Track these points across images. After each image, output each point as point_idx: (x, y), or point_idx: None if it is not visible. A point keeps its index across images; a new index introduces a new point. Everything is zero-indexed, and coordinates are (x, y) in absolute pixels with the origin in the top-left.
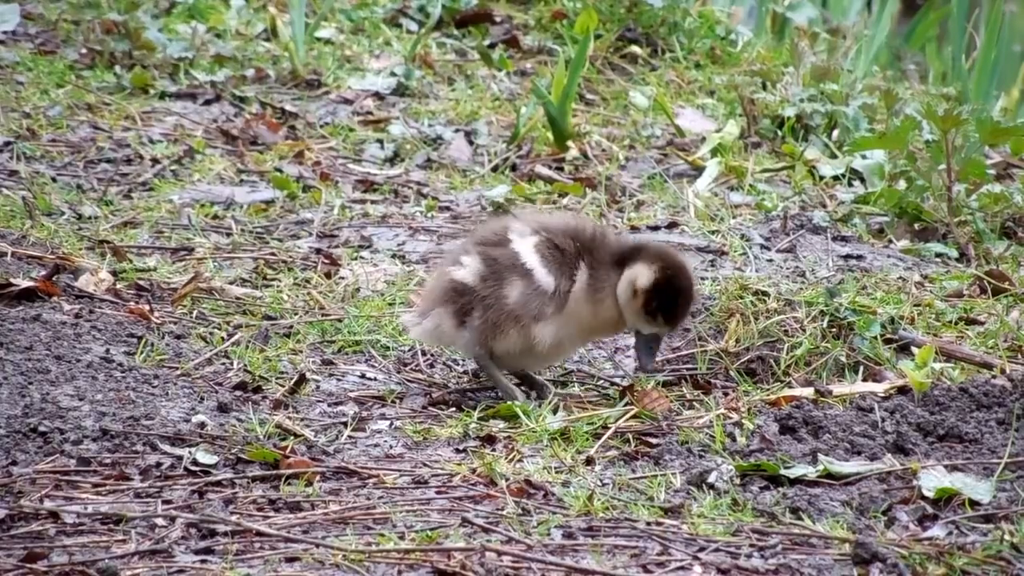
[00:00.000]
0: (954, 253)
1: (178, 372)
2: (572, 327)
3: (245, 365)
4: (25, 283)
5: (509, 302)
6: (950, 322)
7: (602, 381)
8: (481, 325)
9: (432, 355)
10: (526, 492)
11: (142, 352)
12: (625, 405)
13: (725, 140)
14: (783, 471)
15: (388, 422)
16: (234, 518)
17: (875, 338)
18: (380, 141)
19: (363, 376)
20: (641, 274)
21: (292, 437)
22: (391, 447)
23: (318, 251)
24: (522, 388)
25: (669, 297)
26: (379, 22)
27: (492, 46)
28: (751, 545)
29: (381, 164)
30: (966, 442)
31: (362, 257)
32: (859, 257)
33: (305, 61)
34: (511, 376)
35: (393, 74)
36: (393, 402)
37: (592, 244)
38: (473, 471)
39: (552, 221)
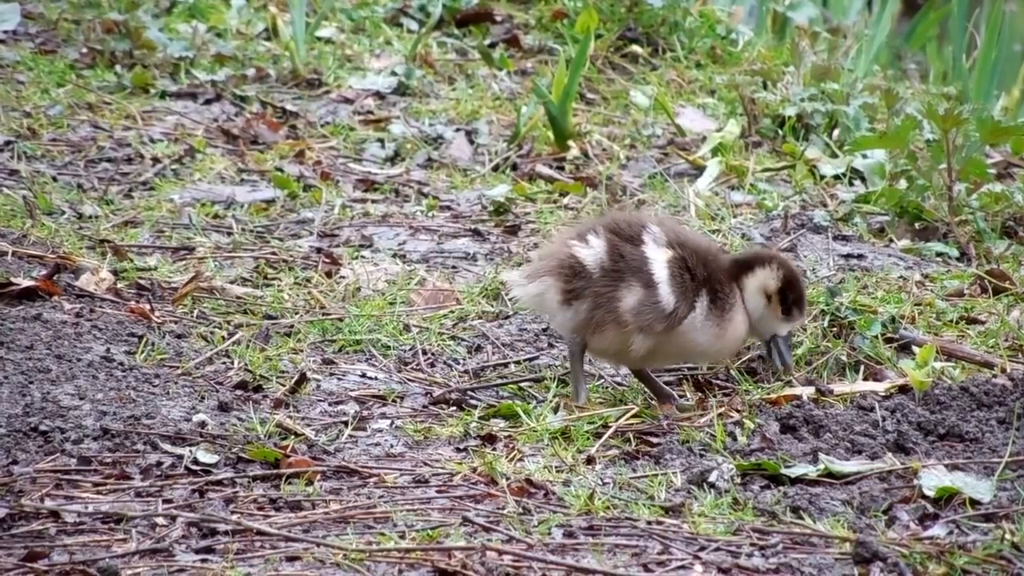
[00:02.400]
0: (955, 252)
1: (179, 371)
2: (674, 348)
3: (246, 364)
4: (26, 282)
5: (621, 306)
6: (951, 321)
7: (603, 381)
8: (586, 319)
9: (432, 354)
10: (527, 491)
11: (143, 351)
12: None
13: (726, 139)
14: (784, 470)
15: (389, 421)
16: (235, 517)
17: (876, 337)
18: (381, 140)
19: (364, 375)
20: (767, 279)
21: (293, 436)
22: (392, 446)
23: (319, 250)
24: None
25: (797, 289)
26: (380, 21)
27: (493, 45)
28: (752, 544)
29: (382, 163)
30: (967, 441)
31: (363, 256)
32: (860, 256)
33: (306, 60)
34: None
35: (394, 73)
36: (394, 401)
37: (716, 269)
38: (474, 470)
39: (688, 238)
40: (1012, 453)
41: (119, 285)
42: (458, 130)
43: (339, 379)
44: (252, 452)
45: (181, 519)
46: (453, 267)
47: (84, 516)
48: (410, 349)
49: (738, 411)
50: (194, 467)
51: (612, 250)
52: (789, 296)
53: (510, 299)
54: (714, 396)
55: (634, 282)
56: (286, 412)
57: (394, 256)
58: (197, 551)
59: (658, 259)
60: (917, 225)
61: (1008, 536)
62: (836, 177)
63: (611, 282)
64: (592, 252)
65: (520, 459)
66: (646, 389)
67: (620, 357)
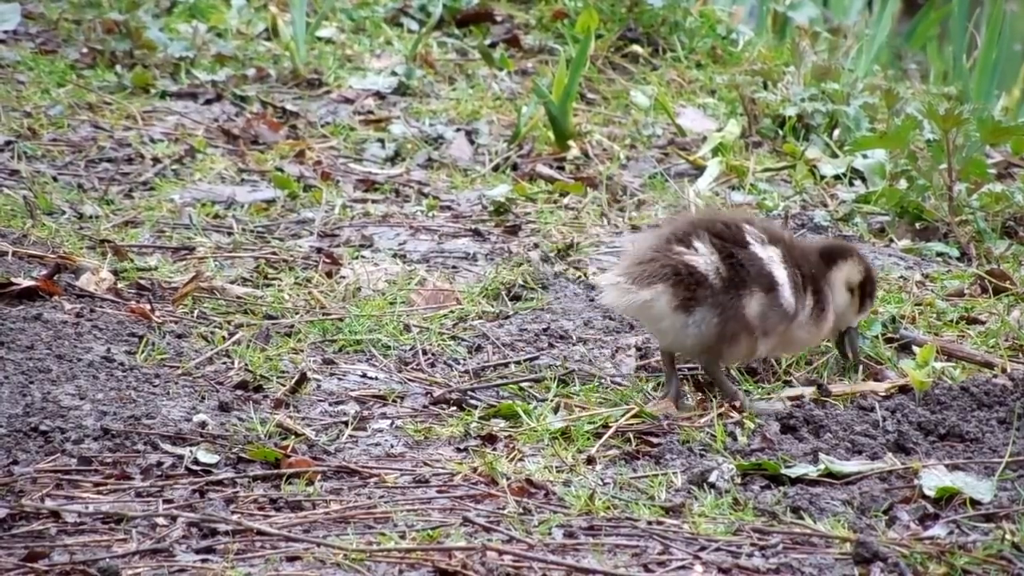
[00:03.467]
0: (955, 252)
1: (179, 371)
2: (779, 345)
3: (246, 364)
4: (26, 282)
5: (748, 313)
6: (951, 321)
7: (605, 380)
8: (716, 331)
9: (433, 354)
10: (527, 491)
11: (143, 351)
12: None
13: (726, 139)
14: (784, 470)
15: (389, 421)
16: (235, 517)
17: (876, 337)
18: (381, 140)
19: (364, 375)
20: (851, 272)
21: (293, 436)
22: (392, 446)
23: (319, 250)
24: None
25: (873, 281)
26: (380, 21)
27: (493, 45)
28: (752, 544)
29: (382, 163)
30: (967, 441)
31: (363, 256)
32: None
33: (306, 60)
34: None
35: (394, 73)
36: (394, 401)
37: (811, 262)
38: (474, 470)
39: (776, 230)
40: (1012, 453)
41: (119, 285)
42: (458, 130)
43: (339, 379)
44: (252, 452)
45: (181, 519)
46: (453, 267)
47: (84, 516)
48: (410, 349)
49: (739, 411)
50: (194, 467)
51: (725, 256)
52: (867, 288)
53: (605, 304)
54: (715, 397)
55: (755, 288)
56: (286, 412)
57: (394, 256)
58: (197, 551)
59: (774, 260)
60: (917, 225)
61: (1008, 536)
62: (836, 177)
63: (734, 290)
64: (704, 259)
65: (520, 459)
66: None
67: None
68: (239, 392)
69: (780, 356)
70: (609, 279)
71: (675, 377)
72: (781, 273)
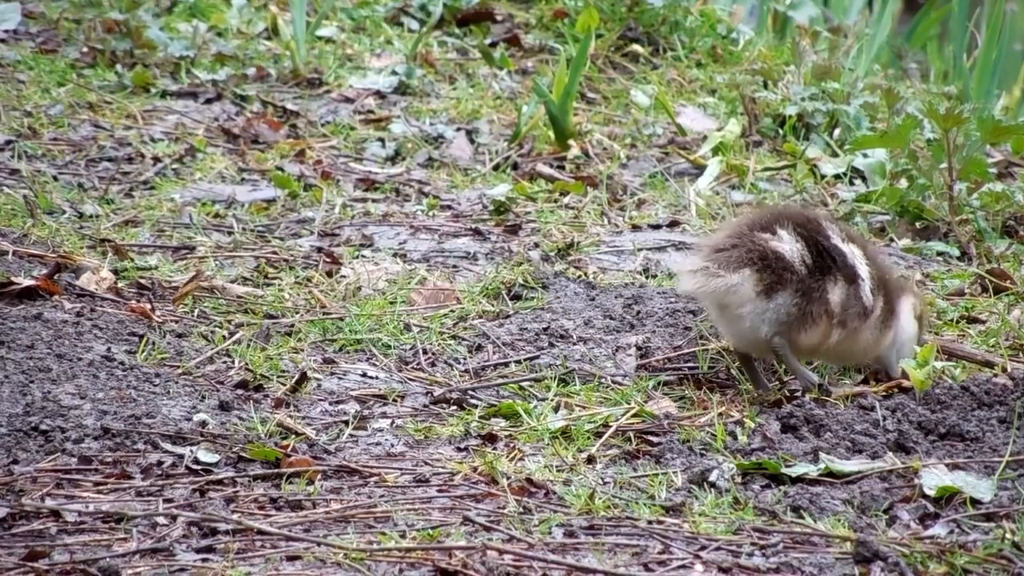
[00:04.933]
0: (955, 252)
1: (179, 371)
2: (844, 345)
3: (246, 364)
4: (26, 282)
5: (831, 299)
6: (951, 321)
7: (605, 380)
8: (797, 313)
9: (433, 354)
10: (527, 491)
11: (143, 351)
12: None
13: (726, 139)
14: (784, 470)
15: (389, 421)
16: (235, 517)
17: None
18: (381, 140)
19: (364, 375)
20: (917, 303)
21: (293, 436)
22: (392, 446)
23: (319, 250)
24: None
25: (925, 320)
26: (380, 21)
27: (493, 45)
28: (752, 544)
29: (382, 163)
30: (967, 441)
31: (363, 256)
32: None
33: (306, 60)
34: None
35: (394, 73)
36: (394, 401)
37: (884, 272)
38: (474, 470)
39: (855, 235)
40: (1013, 452)
41: (120, 284)
42: (459, 129)
43: (340, 378)
44: (253, 451)
45: (182, 518)
46: (454, 266)
47: (85, 515)
48: (411, 348)
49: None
50: (195, 466)
51: (810, 245)
52: (922, 322)
53: (686, 290)
54: (715, 395)
55: (839, 277)
56: (287, 411)
57: (395, 255)
58: (198, 550)
59: (856, 255)
60: (918, 224)
61: (1009, 535)
62: (837, 176)
63: (819, 276)
64: (788, 247)
65: (521, 458)
66: (750, 377)
67: (806, 352)
68: (239, 391)
69: (832, 361)
70: (692, 264)
71: (758, 373)
72: (864, 269)
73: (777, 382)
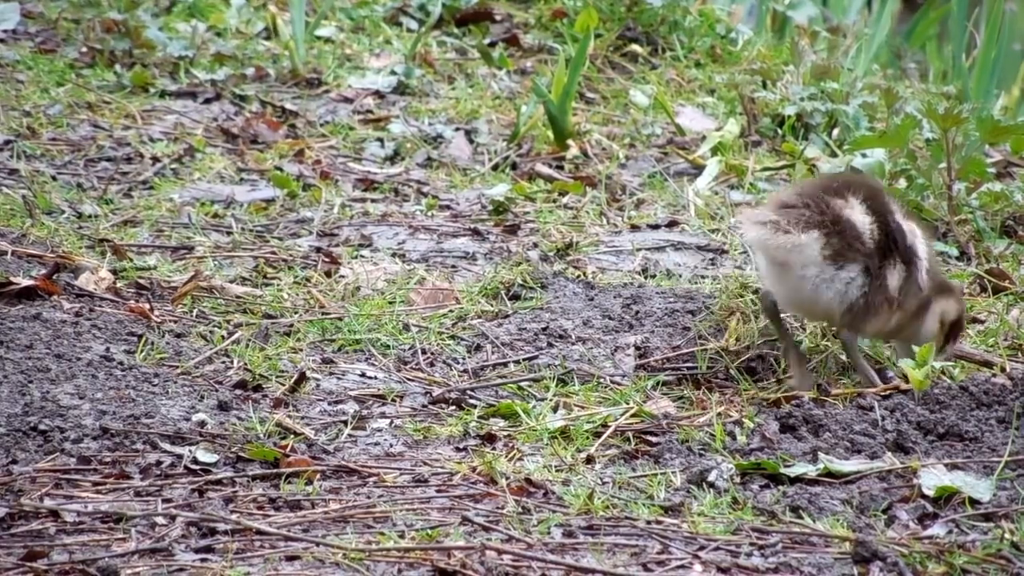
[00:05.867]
0: (954, 251)
1: (178, 371)
2: (895, 323)
3: (245, 364)
4: (25, 282)
5: (890, 284)
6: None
7: (604, 379)
8: (862, 303)
9: (432, 354)
10: (526, 491)
11: (142, 351)
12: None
13: (725, 139)
14: (783, 469)
15: (388, 420)
16: (234, 517)
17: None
18: (380, 140)
19: (363, 375)
20: (948, 307)
21: (292, 436)
22: (391, 446)
23: (318, 250)
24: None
25: (961, 326)
26: (379, 20)
27: (492, 45)
28: (751, 544)
29: (381, 163)
30: (966, 440)
31: (362, 256)
32: None
33: (305, 60)
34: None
35: (393, 72)
36: (393, 401)
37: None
38: (473, 470)
39: (917, 218)
40: (1011, 452)
41: (118, 284)
42: (458, 129)
43: (339, 378)
44: (251, 451)
45: (181, 518)
46: (453, 266)
47: (84, 515)
48: (409, 348)
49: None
50: (193, 466)
51: (878, 220)
52: (954, 330)
53: (750, 239)
54: (714, 395)
55: (897, 259)
56: (285, 411)
57: (393, 255)
58: (197, 550)
59: (916, 234)
60: None
61: (1008, 535)
62: None
63: (881, 258)
64: (860, 217)
65: (520, 458)
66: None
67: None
68: (238, 391)
69: (878, 338)
70: (760, 216)
71: (793, 345)
72: (923, 249)
73: (775, 382)
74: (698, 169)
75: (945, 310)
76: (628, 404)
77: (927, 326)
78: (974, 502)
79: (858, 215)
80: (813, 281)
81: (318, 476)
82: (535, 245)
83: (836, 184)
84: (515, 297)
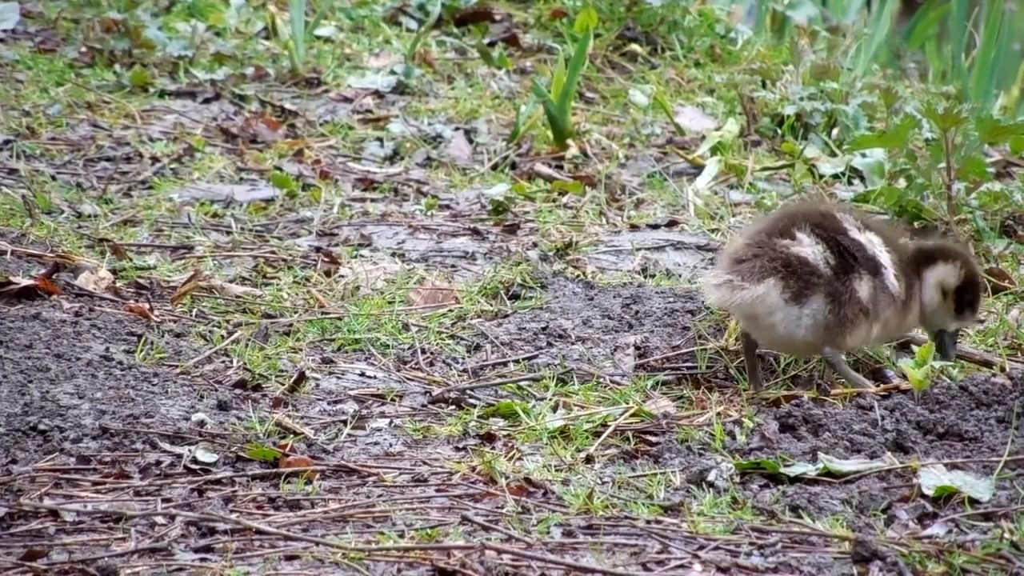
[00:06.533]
0: None
1: (178, 370)
2: (881, 332)
3: (245, 363)
4: (25, 281)
5: (861, 296)
6: None
7: (604, 379)
8: (833, 319)
9: (432, 353)
10: (526, 490)
11: (142, 350)
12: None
13: (725, 138)
14: (783, 469)
15: (388, 420)
16: (234, 516)
17: None
18: (380, 139)
19: (363, 374)
20: (948, 275)
21: (292, 435)
22: (391, 445)
23: (318, 249)
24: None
25: (975, 291)
26: (379, 20)
27: (492, 44)
28: (751, 543)
29: (381, 162)
30: (966, 440)
31: (362, 255)
32: None
33: (305, 59)
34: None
35: (393, 72)
36: (393, 400)
37: (902, 254)
38: (473, 469)
39: (871, 221)
40: (1011, 452)
41: (118, 284)
42: (457, 129)
43: (338, 378)
44: (251, 451)
45: (180, 518)
46: (452, 266)
47: (83, 515)
48: (409, 348)
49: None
50: (193, 466)
51: (830, 244)
52: (966, 296)
53: (712, 303)
54: (713, 394)
55: (863, 272)
56: (285, 411)
57: (393, 255)
58: (196, 550)
59: (875, 243)
60: (916, 224)
61: (1007, 535)
62: (835, 176)
63: (844, 276)
64: (811, 249)
65: (519, 458)
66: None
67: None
68: (238, 391)
69: (877, 345)
70: (715, 278)
71: (757, 370)
72: (885, 257)
73: (774, 382)
74: (697, 169)
75: (943, 278)
76: (628, 404)
77: (926, 297)
78: (974, 502)
79: (808, 249)
80: (782, 324)
81: (318, 476)
82: (535, 245)
83: (782, 223)
84: (515, 297)
